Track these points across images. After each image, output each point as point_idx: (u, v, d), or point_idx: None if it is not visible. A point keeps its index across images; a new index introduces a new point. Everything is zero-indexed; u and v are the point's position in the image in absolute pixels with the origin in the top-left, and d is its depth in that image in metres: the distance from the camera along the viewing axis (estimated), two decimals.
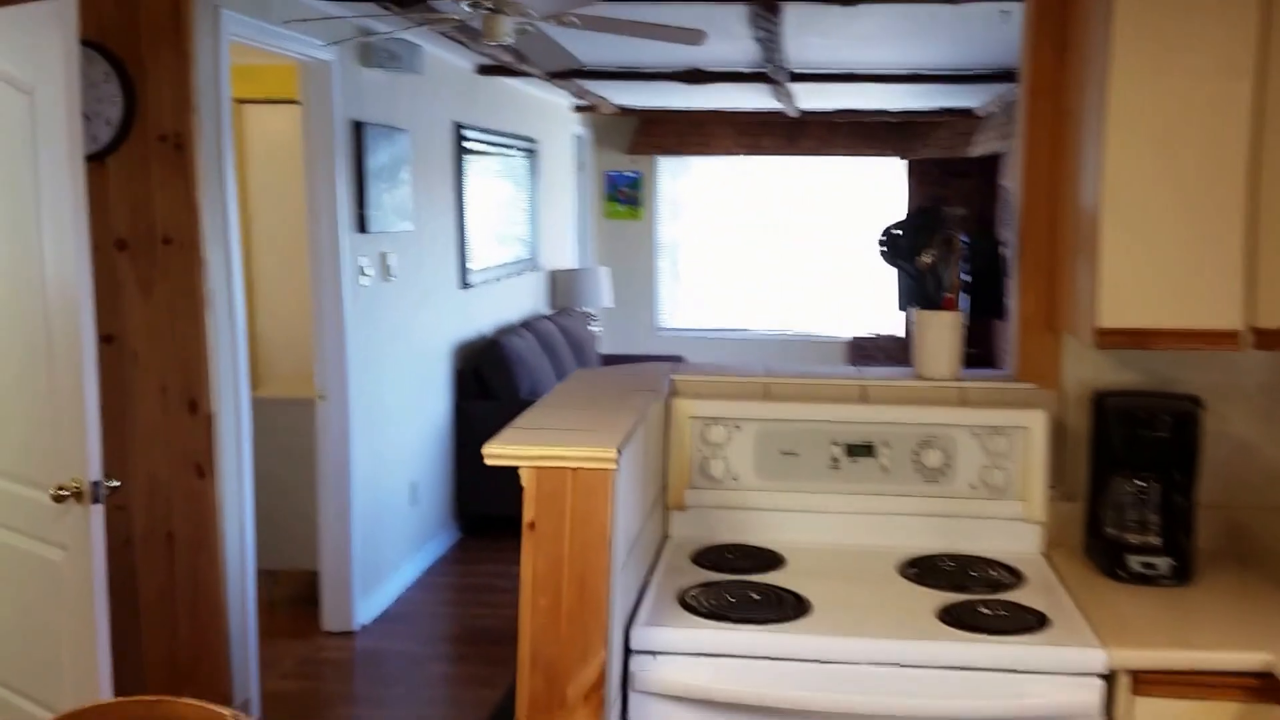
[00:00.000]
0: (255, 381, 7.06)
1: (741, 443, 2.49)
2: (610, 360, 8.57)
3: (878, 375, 2.58)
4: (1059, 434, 2.50)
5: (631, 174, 10.60)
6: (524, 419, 2.05)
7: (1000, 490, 2.42)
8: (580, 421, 2.04)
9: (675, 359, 8.65)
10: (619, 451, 1.81)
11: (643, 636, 1.98)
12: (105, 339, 3.69)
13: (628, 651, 1.98)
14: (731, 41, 5.51)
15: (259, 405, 5.35)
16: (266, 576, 5.34)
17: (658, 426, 2.44)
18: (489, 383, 6.37)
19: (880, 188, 10.30)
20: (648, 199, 10.63)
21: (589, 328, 8.74)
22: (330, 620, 4.95)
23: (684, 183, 10.70)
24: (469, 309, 6.64)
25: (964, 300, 2.60)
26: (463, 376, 6.40)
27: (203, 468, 3.74)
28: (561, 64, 3.87)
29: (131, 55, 3.62)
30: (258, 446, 5.38)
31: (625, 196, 10.66)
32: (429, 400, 6.01)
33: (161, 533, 3.80)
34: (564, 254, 9.30)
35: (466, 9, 3.26)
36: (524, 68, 6.47)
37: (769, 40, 5.18)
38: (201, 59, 3.71)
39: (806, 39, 5.41)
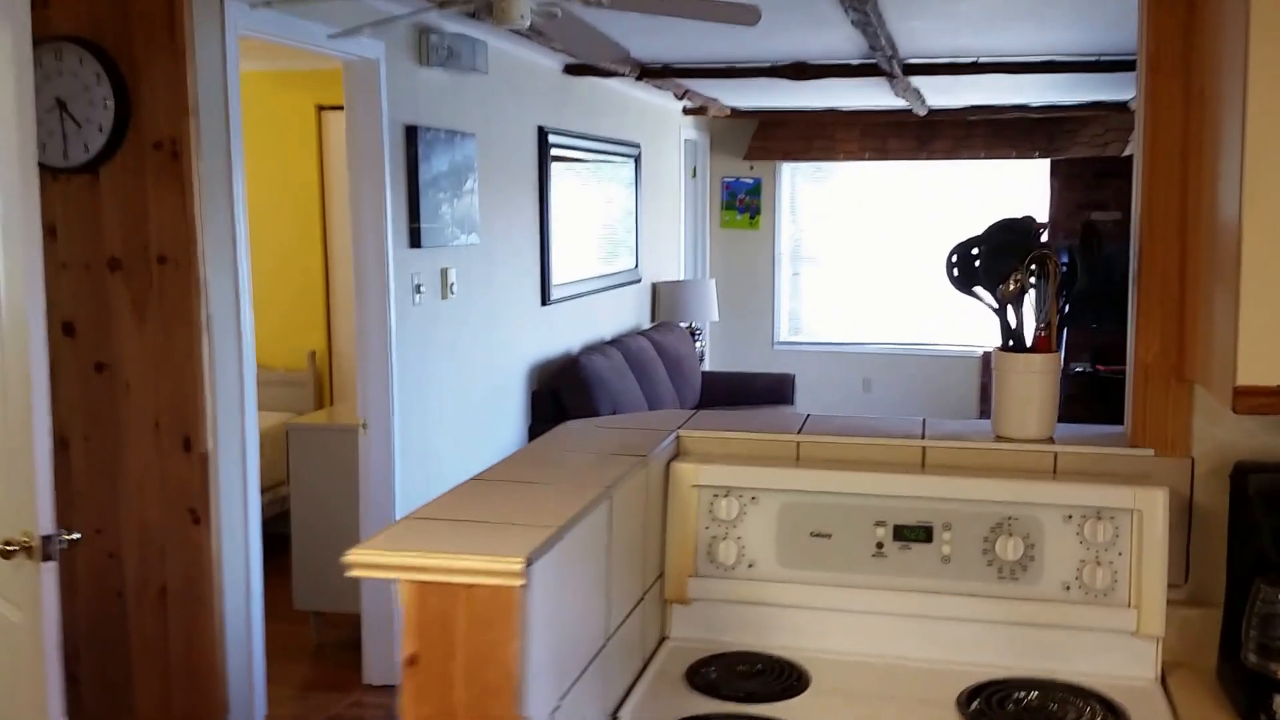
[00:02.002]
0: (328, 402, 6.77)
1: (759, 520, 1.94)
2: (714, 378, 8.00)
3: (944, 434, 2.00)
4: (1186, 518, 1.88)
5: (750, 181, 10.03)
6: (435, 504, 1.55)
7: (1103, 594, 1.82)
8: (508, 508, 1.53)
9: (788, 377, 8.04)
10: (529, 562, 1.30)
11: None
12: (96, 368, 3.35)
13: None
14: (829, 29, 4.94)
15: (301, 432, 5.01)
16: (315, 618, 4.99)
17: (654, 496, 1.92)
18: (566, 405, 5.90)
19: (1021, 191, 9.49)
20: (767, 207, 10.04)
21: (694, 344, 8.21)
22: (372, 672, 4.52)
23: (806, 190, 10.08)
24: (551, 326, 6.19)
25: (1078, 312, 2.02)
26: (539, 398, 5.95)
27: (198, 513, 3.35)
28: (604, 53, 3.38)
29: (124, 53, 3.26)
30: (304, 476, 5.04)
31: (743, 205, 10.09)
32: (498, 425, 5.57)
33: (154, 584, 3.43)
34: (671, 265, 8.79)
35: None
36: (612, 66, 6.01)
37: (866, 24, 4.59)
38: (204, 55, 3.33)
39: (911, 23, 4.80)
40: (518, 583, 1.30)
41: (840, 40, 5.31)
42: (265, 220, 6.64)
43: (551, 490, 1.61)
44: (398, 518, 4.41)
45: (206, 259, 3.24)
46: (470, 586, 1.32)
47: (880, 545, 1.89)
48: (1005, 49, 5.74)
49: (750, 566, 1.95)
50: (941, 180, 9.71)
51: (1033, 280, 1.95)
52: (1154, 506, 1.80)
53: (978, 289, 2.03)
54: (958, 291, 2.06)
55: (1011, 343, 1.99)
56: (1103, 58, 5.87)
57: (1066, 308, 1.99)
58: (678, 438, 2.04)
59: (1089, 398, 8.74)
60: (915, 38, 5.25)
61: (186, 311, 3.24)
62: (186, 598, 3.43)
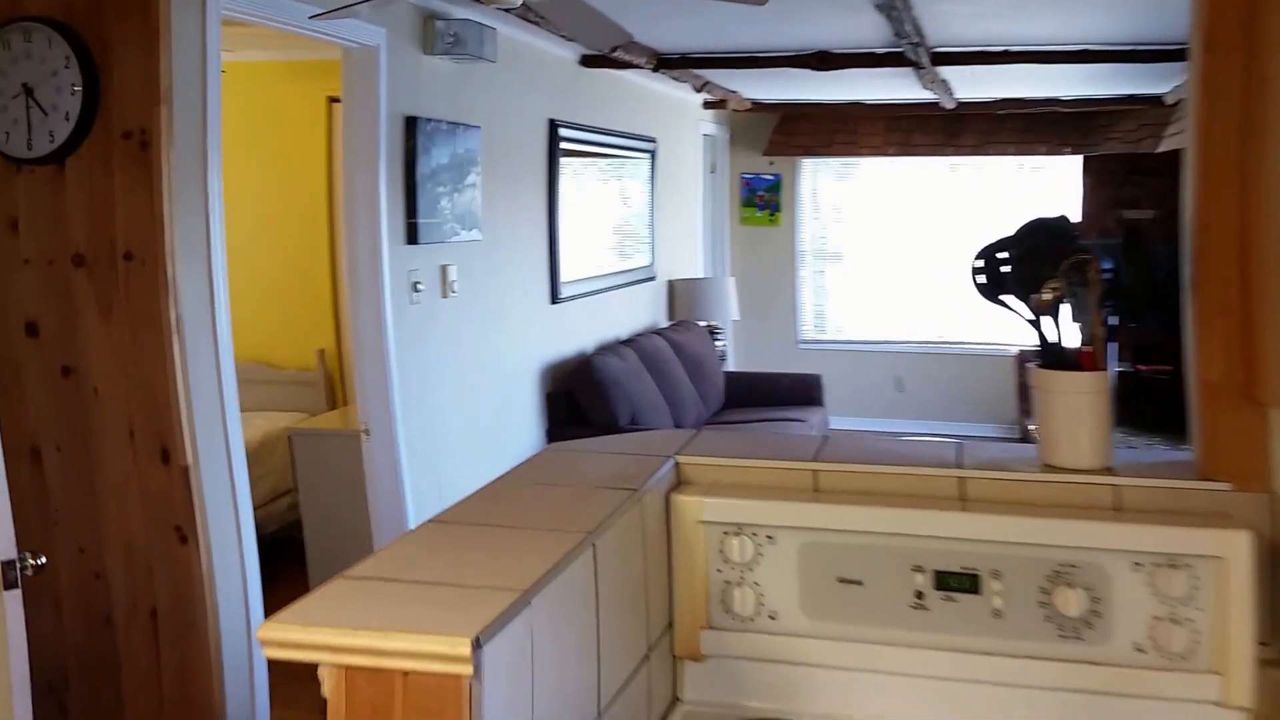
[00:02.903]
0: (341, 402, 6.54)
1: (778, 563, 1.67)
2: (738, 378, 7.71)
3: (984, 462, 1.72)
4: (1272, 564, 1.60)
5: (770, 177, 9.73)
6: (377, 559, 1.29)
7: (1181, 656, 1.54)
8: (465, 565, 1.27)
9: (814, 377, 7.72)
10: (477, 643, 1.03)
11: None
12: (63, 372, 3.11)
13: None
14: (853, 15, 4.66)
15: (305, 437, 4.77)
16: None
17: (654, 535, 1.66)
18: (582, 407, 5.65)
19: (1051, 187, 9.17)
20: (788, 203, 9.75)
21: (714, 343, 7.93)
22: None
23: (828, 185, 9.77)
24: (561, 326, 5.93)
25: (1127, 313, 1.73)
26: (554, 400, 5.70)
27: (184, 530, 3.10)
28: (607, 38, 3.11)
29: (96, 34, 3.01)
30: (312, 482, 4.81)
31: (763, 201, 9.80)
32: (513, 427, 5.31)
33: (144, 607, 3.19)
34: (689, 263, 8.52)
35: None
36: (628, 58, 5.74)
37: (892, 9, 4.31)
38: (181, 37, 3.07)
39: (939, 8, 4.51)
40: (464, 670, 1.03)
41: (865, 27, 5.03)
42: (273, 214, 6.44)
43: (521, 538, 1.35)
44: (411, 526, 4.19)
45: (176, 257, 2.99)
46: (407, 674, 1.05)
47: (920, 595, 1.62)
48: (1038, 37, 5.44)
49: (771, 618, 1.68)
50: (968, 175, 9.40)
51: (1071, 288, 1.67)
52: (1238, 552, 1.52)
53: (1008, 298, 1.76)
54: (986, 301, 1.80)
55: (1052, 359, 1.71)
56: (1140, 47, 5.56)
57: (1112, 318, 1.70)
58: (676, 465, 1.77)
59: (1130, 398, 8.43)
60: (944, 24, 4.97)
61: (153, 313, 2.99)
62: (177, 621, 3.19)
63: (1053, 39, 5.47)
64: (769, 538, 1.67)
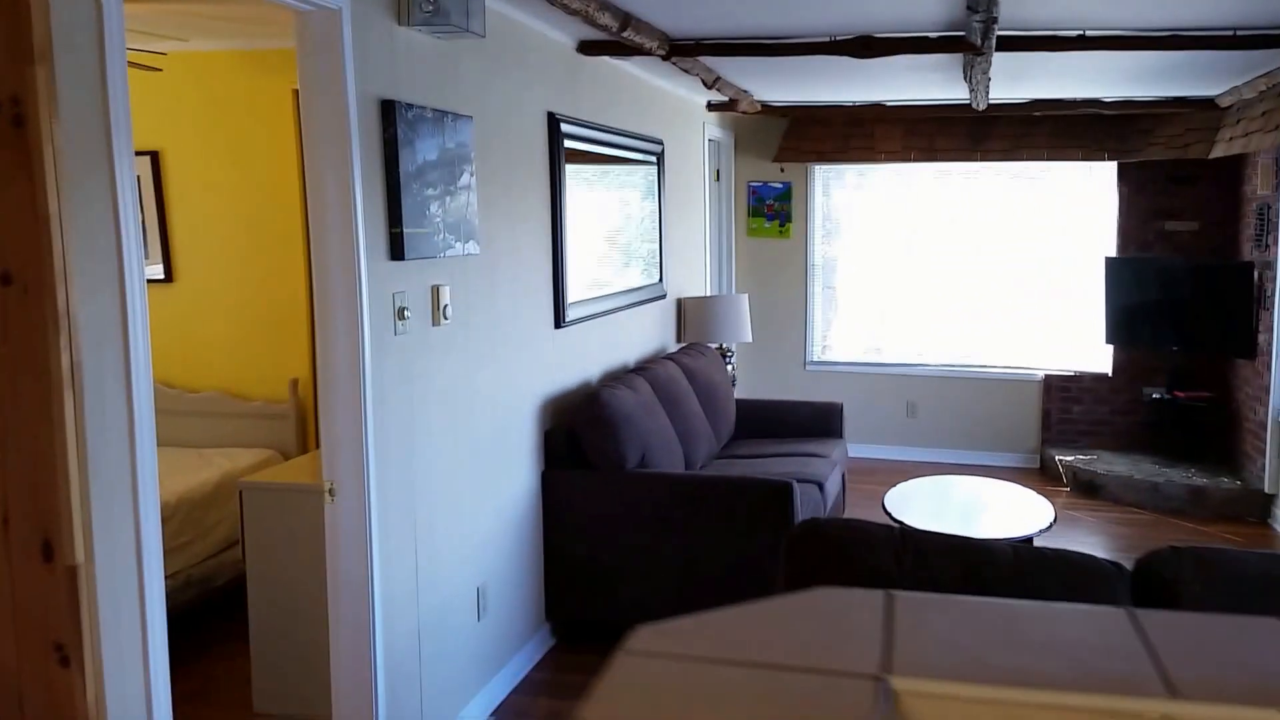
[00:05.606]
0: (313, 440, 5.72)
1: None
2: (749, 407, 6.86)
3: None
4: None
5: (779, 185, 8.98)
6: None
7: None
8: None
9: (835, 406, 6.81)
10: None
11: None
12: None
13: None
14: None
15: (258, 493, 3.96)
16: None
17: None
18: (586, 449, 4.84)
19: (1085, 197, 8.49)
20: (799, 214, 8.99)
21: (727, 367, 7.12)
22: None
23: (842, 195, 9.01)
24: (566, 352, 5.11)
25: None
26: (553, 439, 4.88)
27: (66, 649, 2.27)
28: None
29: None
30: (262, 548, 3.99)
31: (772, 211, 9.04)
32: (504, 474, 4.48)
33: None
34: (695, 279, 7.73)
35: None
36: (639, 40, 4.94)
37: None
38: None
39: None
40: None
41: (927, 3, 4.26)
42: (239, 224, 5.65)
43: None
44: (377, 601, 3.38)
45: (72, 278, 2.16)
46: None
47: None
48: (1119, 20, 4.68)
49: None
50: (987, 184, 8.69)
51: None
52: None
53: None
54: None
55: None
56: (1239, 32, 4.82)
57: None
58: (894, 697, 0.93)
59: (1166, 425, 7.75)
60: (1026, 3, 4.20)
61: (39, 357, 2.16)
62: None
63: (1136, 23, 4.71)
64: None
